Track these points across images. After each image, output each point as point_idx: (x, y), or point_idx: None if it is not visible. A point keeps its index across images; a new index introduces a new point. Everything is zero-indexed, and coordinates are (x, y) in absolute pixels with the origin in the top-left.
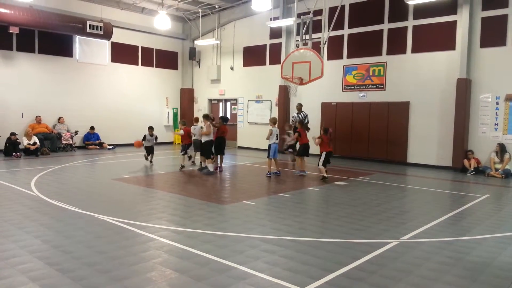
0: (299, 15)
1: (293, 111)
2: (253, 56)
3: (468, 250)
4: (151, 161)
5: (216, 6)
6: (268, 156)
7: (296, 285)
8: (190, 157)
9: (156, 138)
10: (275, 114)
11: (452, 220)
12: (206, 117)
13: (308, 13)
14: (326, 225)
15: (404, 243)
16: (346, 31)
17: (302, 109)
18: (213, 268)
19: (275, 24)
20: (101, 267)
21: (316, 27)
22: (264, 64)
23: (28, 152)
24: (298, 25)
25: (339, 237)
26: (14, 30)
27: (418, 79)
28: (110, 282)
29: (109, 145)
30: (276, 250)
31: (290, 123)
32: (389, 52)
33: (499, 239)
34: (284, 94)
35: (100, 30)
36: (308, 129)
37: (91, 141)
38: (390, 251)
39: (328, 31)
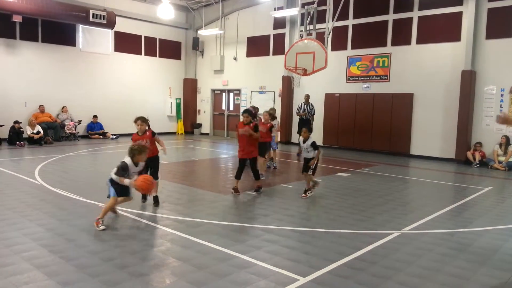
0: (303, 5)
1: (297, 102)
2: (257, 46)
3: (470, 241)
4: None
5: None
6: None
7: (298, 275)
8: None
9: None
10: (278, 105)
11: (454, 212)
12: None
13: (312, 3)
14: (328, 215)
15: (406, 234)
16: (350, 22)
17: (309, 100)
18: (215, 257)
19: (279, 14)
20: (104, 255)
21: (321, 17)
22: (268, 54)
23: (32, 141)
24: (302, 15)
25: (341, 227)
26: (17, 18)
27: (422, 71)
28: (113, 270)
29: (112, 134)
30: (278, 240)
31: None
32: (393, 43)
33: (501, 231)
34: (288, 85)
35: (103, 19)
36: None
37: (95, 130)
38: (391, 242)
39: (332, 21)
